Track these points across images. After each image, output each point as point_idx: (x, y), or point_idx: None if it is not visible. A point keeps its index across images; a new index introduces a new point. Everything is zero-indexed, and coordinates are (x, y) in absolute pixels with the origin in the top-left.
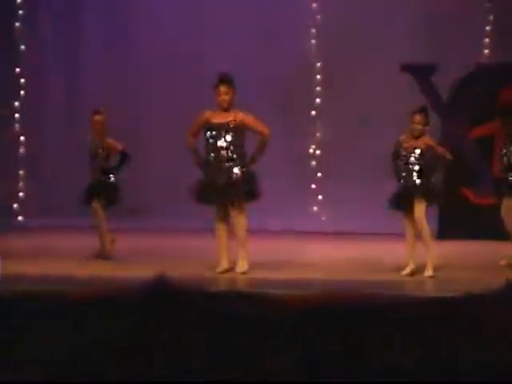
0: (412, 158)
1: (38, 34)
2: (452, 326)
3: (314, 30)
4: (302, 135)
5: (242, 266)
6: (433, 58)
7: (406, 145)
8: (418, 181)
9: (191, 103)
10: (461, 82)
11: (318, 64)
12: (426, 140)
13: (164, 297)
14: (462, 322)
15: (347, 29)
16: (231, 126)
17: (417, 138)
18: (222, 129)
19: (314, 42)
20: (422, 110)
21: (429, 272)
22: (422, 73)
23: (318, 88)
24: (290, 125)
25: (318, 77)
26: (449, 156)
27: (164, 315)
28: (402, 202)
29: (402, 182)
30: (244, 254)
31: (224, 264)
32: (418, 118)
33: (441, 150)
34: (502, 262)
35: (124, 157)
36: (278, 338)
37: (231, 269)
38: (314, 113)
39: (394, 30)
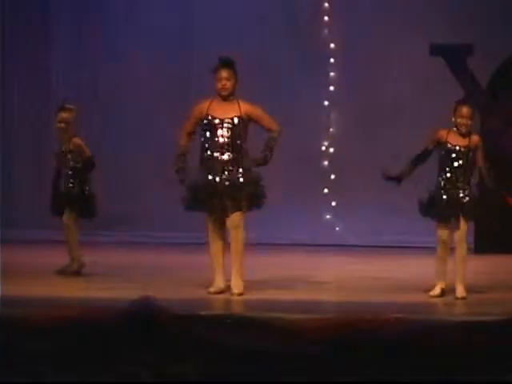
0: (459, 162)
1: None
2: (488, 355)
3: (326, 5)
4: (313, 130)
5: (238, 285)
6: (470, 39)
7: (452, 143)
8: (466, 191)
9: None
10: (503, 66)
11: (332, 45)
12: (476, 140)
13: (147, 322)
14: (499, 350)
15: (369, 2)
16: (235, 119)
17: (463, 135)
18: (224, 122)
19: (326, 18)
20: (469, 101)
21: (461, 292)
22: (457, 55)
23: (332, 74)
24: (298, 117)
25: (332, 60)
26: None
27: (148, 343)
28: (443, 212)
29: (442, 190)
30: (241, 272)
31: (219, 283)
32: (465, 110)
33: (481, 154)
34: None
35: (87, 166)
36: (282, 373)
37: (227, 289)
38: (326, 103)
39: (426, 5)
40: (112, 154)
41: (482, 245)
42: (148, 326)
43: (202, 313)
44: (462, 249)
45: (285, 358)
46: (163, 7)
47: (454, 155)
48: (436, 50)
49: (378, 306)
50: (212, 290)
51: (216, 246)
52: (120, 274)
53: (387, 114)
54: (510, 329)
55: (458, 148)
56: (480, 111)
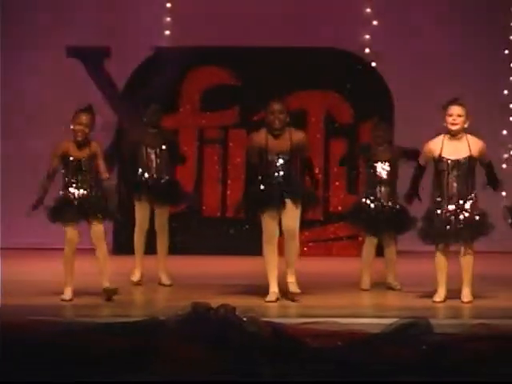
0: (80, 172)
1: None
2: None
3: None
4: None
5: None
6: (108, 42)
7: (73, 155)
8: (90, 194)
9: None
10: (139, 69)
11: None
12: (94, 147)
13: None
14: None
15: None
16: None
17: (80, 143)
18: None
19: None
20: (89, 109)
21: (107, 293)
22: (93, 58)
23: None
24: None
25: None
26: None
27: None
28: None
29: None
30: None
31: None
32: (84, 117)
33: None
34: (134, 278)
35: None
36: None
37: None
38: None
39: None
40: None
41: (121, 246)
42: None
43: None
44: (100, 249)
45: None
46: None
47: (73, 166)
48: (72, 52)
49: (19, 309)
50: None
51: None
52: None
53: (28, 115)
54: (151, 328)
55: (79, 159)
56: (115, 113)
